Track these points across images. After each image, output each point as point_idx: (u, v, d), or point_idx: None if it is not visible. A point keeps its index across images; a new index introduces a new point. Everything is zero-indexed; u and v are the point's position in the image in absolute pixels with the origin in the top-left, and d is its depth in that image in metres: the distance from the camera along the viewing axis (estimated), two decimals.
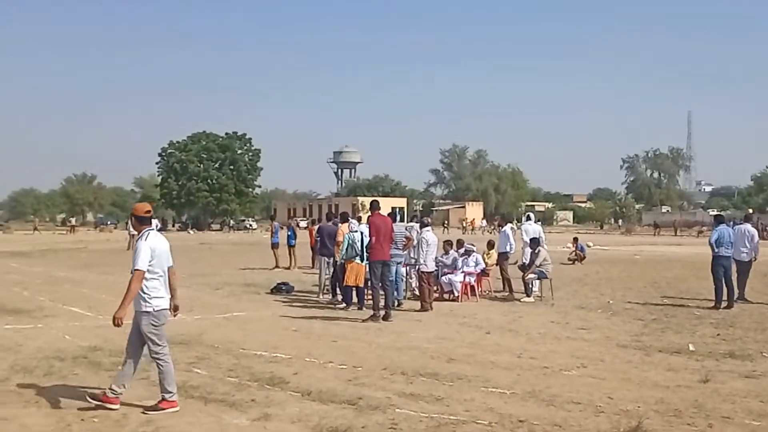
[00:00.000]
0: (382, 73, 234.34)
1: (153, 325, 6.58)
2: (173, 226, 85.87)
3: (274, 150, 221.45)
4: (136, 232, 6.88)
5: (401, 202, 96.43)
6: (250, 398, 6.93)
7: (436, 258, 14.40)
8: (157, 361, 6.62)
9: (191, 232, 75.32)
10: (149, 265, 6.50)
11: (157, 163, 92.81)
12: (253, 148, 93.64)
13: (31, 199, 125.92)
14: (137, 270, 6.45)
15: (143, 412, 6.45)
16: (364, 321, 12.04)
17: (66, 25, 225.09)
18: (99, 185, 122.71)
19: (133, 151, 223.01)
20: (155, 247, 6.61)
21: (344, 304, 13.74)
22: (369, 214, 13.18)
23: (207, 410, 6.54)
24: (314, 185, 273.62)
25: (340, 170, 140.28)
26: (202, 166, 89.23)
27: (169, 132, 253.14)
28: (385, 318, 12.13)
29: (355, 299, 13.75)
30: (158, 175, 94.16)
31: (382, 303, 12.31)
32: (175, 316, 7.06)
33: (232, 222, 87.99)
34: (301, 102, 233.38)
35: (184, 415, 6.35)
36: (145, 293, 6.51)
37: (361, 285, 13.36)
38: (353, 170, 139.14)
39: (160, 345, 6.63)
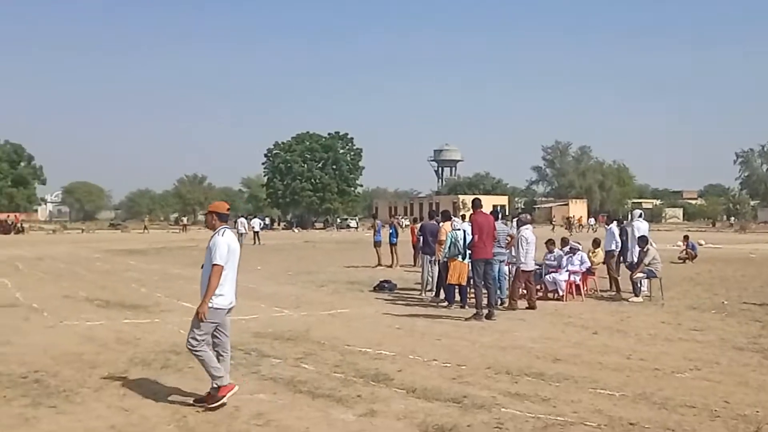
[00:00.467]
0: (481, 71, 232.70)
1: (205, 320, 6.62)
2: (278, 224, 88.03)
3: (376, 149, 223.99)
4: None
5: (503, 200, 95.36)
6: (356, 394, 7.05)
7: (536, 256, 14.19)
8: (193, 353, 6.71)
9: (296, 230, 77.06)
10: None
11: (263, 164, 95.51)
12: (354, 147, 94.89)
13: (147, 200, 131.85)
14: (216, 265, 6.61)
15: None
16: (467, 319, 12.00)
17: (179, 32, 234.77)
18: (209, 186, 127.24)
19: (241, 152, 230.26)
20: (230, 244, 6.78)
21: (447, 303, 13.74)
22: (471, 212, 13.11)
23: (315, 405, 6.68)
24: (415, 184, 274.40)
25: (440, 168, 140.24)
26: (305, 166, 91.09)
27: (275, 133, 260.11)
28: (489, 317, 12.05)
29: (457, 298, 13.72)
30: (264, 176, 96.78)
31: (485, 302, 12.24)
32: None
33: (338, 220, 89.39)
34: (402, 101, 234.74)
35: (293, 410, 6.52)
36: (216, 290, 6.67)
37: (464, 283, 13.32)
38: (454, 168, 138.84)
39: (198, 339, 6.64)
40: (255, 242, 40.74)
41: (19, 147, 76.63)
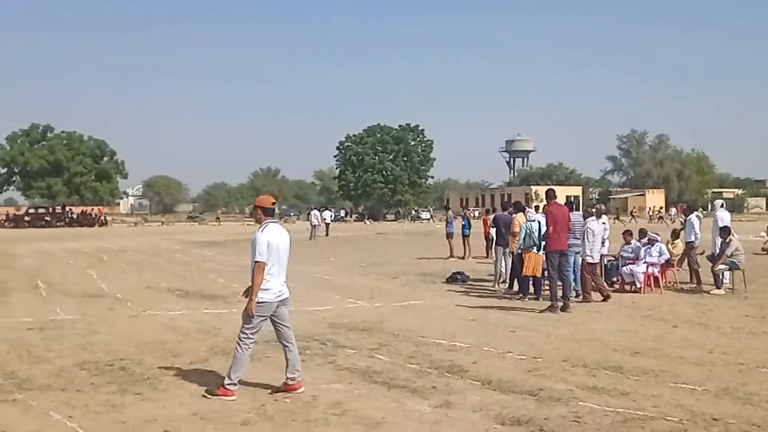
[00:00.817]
0: (554, 59, 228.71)
1: (254, 314, 6.72)
2: (350, 216, 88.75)
3: (447, 141, 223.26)
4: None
5: (576, 191, 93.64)
6: (431, 385, 7.06)
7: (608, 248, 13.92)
8: (237, 345, 6.80)
9: (367, 222, 77.51)
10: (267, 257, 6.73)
11: (335, 156, 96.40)
12: (426, 139, 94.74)
13: (223, 193, 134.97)
14: (257, 261, 6.69)
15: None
16: (541, 312, 11.87)
17: (252, 29, 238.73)
18: (282, 178, 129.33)
19: (314, 145, 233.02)
20: (271, 239, 6.79)
21: (521, 295, 13.61)
22: (545, 203, 12.92)
23: (390, 395, 6.73)
24: (486, 175, 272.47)
25: (512, 159, 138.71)
26: (377, 158, 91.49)
27: (347, 125, 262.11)
28: (564, 309, 11.88)
29: (531, 290, 13.58)
30: (336, 168, 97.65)
31: (559, 294, 12.08)
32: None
33: (413, 211, 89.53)
34: (473, 92, 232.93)
35: (369, 399, 6.58)
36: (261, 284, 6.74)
37: (539, 275, 13.16)
38: (526, 159, 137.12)
39: (247, 335, 6.77)
40: (326, 234, 41.31)
41: (102, 143, 79.16)
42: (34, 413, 6.20)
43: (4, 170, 76.05)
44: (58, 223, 67.94)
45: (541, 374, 7.53)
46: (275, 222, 7.04)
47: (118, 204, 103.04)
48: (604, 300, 12.98)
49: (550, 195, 12.69)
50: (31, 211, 73.82)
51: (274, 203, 7.13)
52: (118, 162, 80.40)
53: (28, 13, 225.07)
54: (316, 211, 42.37)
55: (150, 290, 15.39)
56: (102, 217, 72.60)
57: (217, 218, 75.03)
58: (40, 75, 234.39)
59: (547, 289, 12.84)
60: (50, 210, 73.77)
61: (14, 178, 76.79)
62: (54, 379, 7.40)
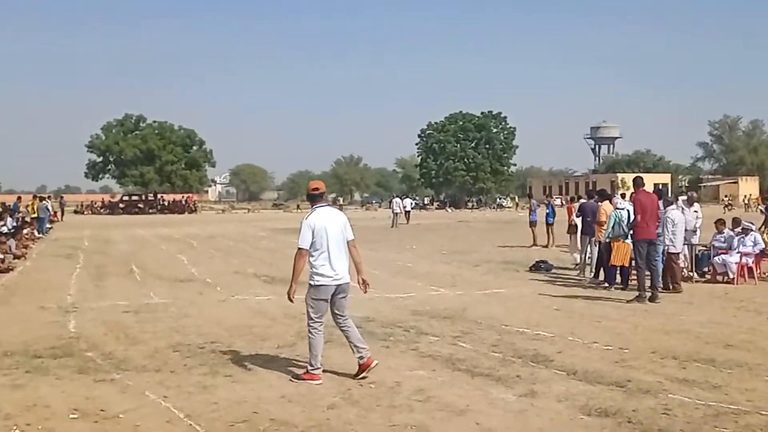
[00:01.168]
0: (638, 44, 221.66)
1: (312, 297, 6.93)
2: (432, 204, 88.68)
3: (530, 128, 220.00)
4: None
5: (665, 178, 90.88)
6: (515, 374, 7.03)
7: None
8: (308, 330, 6.98)
9: (449, 210, 77.27)
10: (312, 242, 6.84)
11: (416, 144, 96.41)
12: (508, 126, 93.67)
13: (306, 180, 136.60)
14: (298, 249, 6.88)
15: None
16: (629, 302, 11.61)
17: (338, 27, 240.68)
18: (365, 166, 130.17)
19: (396, 133, 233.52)
20: (315, 224, 6.87)
21: (607, 284, 13.35)
22: (632, 191, 12.60)
23: (474, 383, 6.74)
24: (570, 162, 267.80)
25: (597, 146, 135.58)
26: (459, 145, 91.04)
27: (428, 113, 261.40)
28: (652, 299, 11.59)
29: (618, 279, 13.29)
30: (418, 156, 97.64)
31: (647, 284, 11.78)
32: (365, 291, 7.29)
33: (497, 199, 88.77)
34: (557, 78, 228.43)
35: (452, 387, 6.61)
36: (311, 269, 6.90)
37: (627, 265, 12.86)
38: (612, 146, 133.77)
39: (313, 318, 6.93)
40: (407, 221, 41.47)
41: (191, 132, 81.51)
42: (131, 393, 6.49)
43: (100, 159, 79.25)
44: (150, 210, 70.44)
45: (628, 365, 7.38)
46: (324, 206, 7.14)
47: (207, 192, 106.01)
48: (673, 291, 12.54)
49: (638, 183, 12.38)
50: (125, 198, 76.94)
51: (315, 189, 7.20)
52: (207, 151, 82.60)
53: (127, 6, 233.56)
54: (397, 199, 42.52)
55: (238, 275, 15.81)
56: (191, 205, 74.87)
57: (297, 206, 76.20)
58: (135, 65, 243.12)
59: (634, 279, 12.55)
60: (143, 197, 76.62)
61: (109, 167, 79.92)
62: (149, 360, 7.72)
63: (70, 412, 5.88)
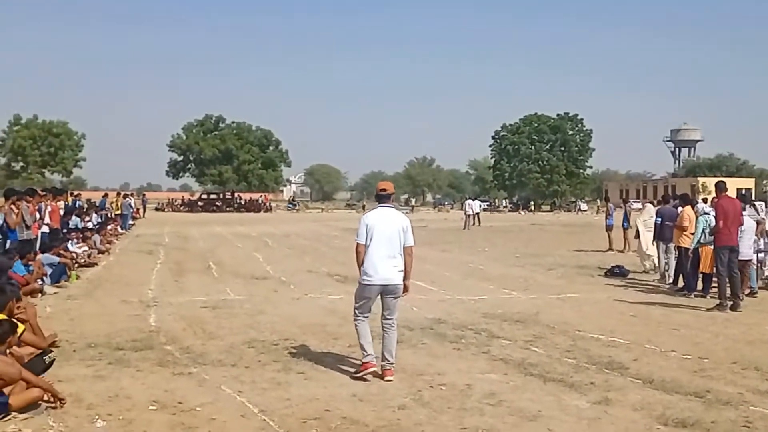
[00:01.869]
0: (722, 42, 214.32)
1: (357, 293, 7.12)
2: (504, 206, 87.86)
3: (607, 130, 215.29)
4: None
5: (748, 183, 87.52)
6: (589, 381, 6.91)
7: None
8: (354, 324, 7.17)
9: (522, 212, 76.40)
10: (366, 240, 6.94)
11: (490, 146, 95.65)
12: (584, 128, 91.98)
13: (379, 181, 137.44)
14: (356, 243, 7.05)
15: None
16: (709, 310, 11.25)
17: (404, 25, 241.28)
18: (437, 168, 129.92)
19: (469, 135, 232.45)
20: (370, 223, 7.00)
21: (686, 291, 12.96)
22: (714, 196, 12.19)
23: (546, 389, 6.65)
24: (648, 165, 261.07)
25: (677, 149, 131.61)
26: (533, 147, 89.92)
27: (503, 115, 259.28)
28: (733, 308, 11.20)
29: (699, 286, 12.89)
30: (491, 158, 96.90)
31: (729, 292, 11.39)
32: (403, 295, 7.28)
33: (582, 203, 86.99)
34: (635, 79, 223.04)
35: (524, 392, 6.54)
36: (362, 265, 7.00)
37: (711, 272, 12.43)
38: (693, 149, 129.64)
39: (356, 313, 7.11)
40: (479, 224, 41.13)
41: (268, 132, 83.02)
42: (207, 386, 6.66)
43: (181, 158, 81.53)
44: (227, 209, 72.02)
45: (708, 375, 7.17)
46: (387, 207, 7.22)
47: (282, 191, 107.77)
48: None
49: (721, 187, 12.01)
50: (204, 196, 78.91)
51: (383, 189, 7.31)
52: (283, 151, 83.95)
53: (206, 6, 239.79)
54: (470, 201, 42.27)
55: (311, 274, 16.01)
56: (267, 204, 76.22)
57: (363, 206, 76.61)
58: (215, 65, 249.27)
59: (715, 287, 12.16)
60: (221, 196, 78.42)
61: (189, 166, 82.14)
62: (225, 355, 7.90)
63: (150, 404, 6.08)
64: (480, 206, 47.26)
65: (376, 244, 6.98)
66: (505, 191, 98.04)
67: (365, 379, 6.89)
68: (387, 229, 7.02)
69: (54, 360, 6.69)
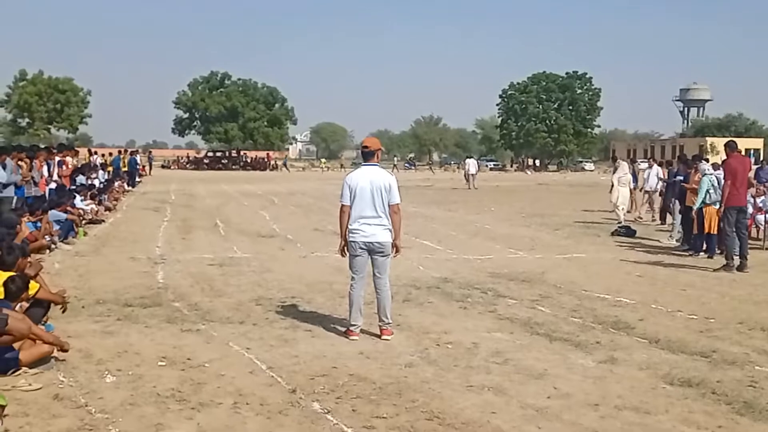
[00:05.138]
0: (733, 1, 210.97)
1: (350, 254, 7.04)
2: (511, 166, 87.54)
3: (616, 89, 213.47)
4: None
5: (757, 143, 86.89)
6: (594, 340, 6.93)
7: None
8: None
9: (528, 172, 76.14)
10: (350, 200, 6.91)
11: (497, 105, 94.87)
12: (593, 87, 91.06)
13: (385, 140, 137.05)
14: (341, 204, 7.05)
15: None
16: (715, 270, 11.25)
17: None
18: (444, 126, 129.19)
19: (476, 93, 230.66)
20: (352, 183, 6.95)
21: (692, 252, 12.95)
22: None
23: (552, 348, 6.68)
24: (657, 125, 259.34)
25: (686, 109, 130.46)
26: (541, 107, 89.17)
27: (510, 74, 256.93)
28: (740, 268, 11.19)
29: (705, 246, 12.87)
30: (498, 117, 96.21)
31: (736, 252, 11.37)
32: (395, 255, 7.19)
33: (588, 161, 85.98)
34: (645, 37, 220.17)
35: (530, 350, 6.57)
36: (348, 225, 6.97)
37: (715, 232, 12.42)
38: (701, 109, 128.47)
39: (350, 274, 7.08)
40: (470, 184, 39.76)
41: (274, 90, 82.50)
42: (216, 343, 6.71)
43: (186, 115, 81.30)
44: (233, 167, 71.93)
45: (714, 336, 7.18)
46: (370, 165, 7.10)
47: (288, 149, 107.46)
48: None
49: (732, 146, 11.94)
50: (210, 154, 78.78)
51: (366, 147, 7.21)
52: (289, 108, 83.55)
53: None
54: (471, 160, 41.36)
55: (317, 232, 16.03)
56: (272, 162, 76.08)
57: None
58: (221, 23, 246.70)
59: (722, 248, 12.13)
60: (227, 154, 78.27)
61: (195, 123, 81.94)
62: (233, 312, 7.95)
63: (159, 360, 6.13)
64: (476, 166, 43.94)
65: (359, 203, 6.92)
66: (511, 150, 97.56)
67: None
68: (366, 186, 6.93)
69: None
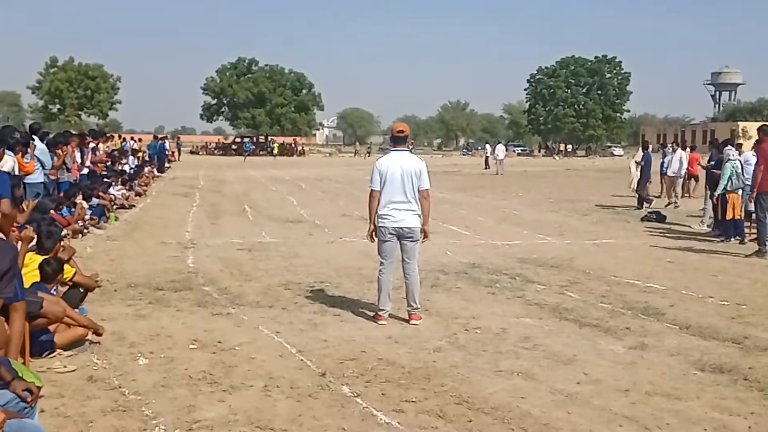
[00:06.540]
0: None
1: (379, 239, 7.05)
2: (539, 151, 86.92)
3: (645, 73, 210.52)
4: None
5: None
6: (624, 326, 6.90)
7: None
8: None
9: (556, 157, 75.52)
10: (380, 185, 6.91)
11: (525, 90, 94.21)
12: (622, 71, 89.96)
13: (412, 125, 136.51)
14: (370, 189, 7.02)
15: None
16: (747, 256, 11.11)
17: None
18: (471, 112, 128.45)
19: (504, 78, 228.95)
20: (383, 168, 6.93)
21: (723, 238, 12.79)
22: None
23: (581, 333, 6.66)
24: (687, 110, 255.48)
25: (718, 93, 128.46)
26: (569, 91, 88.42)
27: (539, 58, 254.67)
28: None
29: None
30: (526, 102, 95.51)
31: None
32: (424, 241, 7.20)
33: (617, 147, 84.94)
34: (676, 20, 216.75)
35: (559, 336, 6.56)
36: (378, 210, 6.97)
37: (741, 218, 12.26)
38: (733, 93, 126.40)
39: (380, 259, 7.09)
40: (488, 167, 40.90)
41: (301, 75, 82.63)
42: (246, 327, 6.78)
43: (214, 101, 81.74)
44: (261, 152, 72.18)
45: (746, 322, 7.11)
46: (400, 150, 7.11)
47: (315, 135, 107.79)
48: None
49: (765, 131, 11.70)
50: (237, 140, 79.15)
51: (400, 131, 7.16)
52: (316, 94, 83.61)
53: None
54: (501, 146, 41.24)
55: (345, 218, 16.08)
56: (300, 148, 76.22)
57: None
58: (247, 8, 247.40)
59: (754, 233, 11.97)
60: (254, 140, 78.57)
61: (223, 109, 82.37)
62: (262, 297, 8.02)
63: (190, 343, 6.21)
64: (503, 151, 42.80)
65: (390, 188, 6.94)
66: (539, 136, 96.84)
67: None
68: (396, 172, 6.94)
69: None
